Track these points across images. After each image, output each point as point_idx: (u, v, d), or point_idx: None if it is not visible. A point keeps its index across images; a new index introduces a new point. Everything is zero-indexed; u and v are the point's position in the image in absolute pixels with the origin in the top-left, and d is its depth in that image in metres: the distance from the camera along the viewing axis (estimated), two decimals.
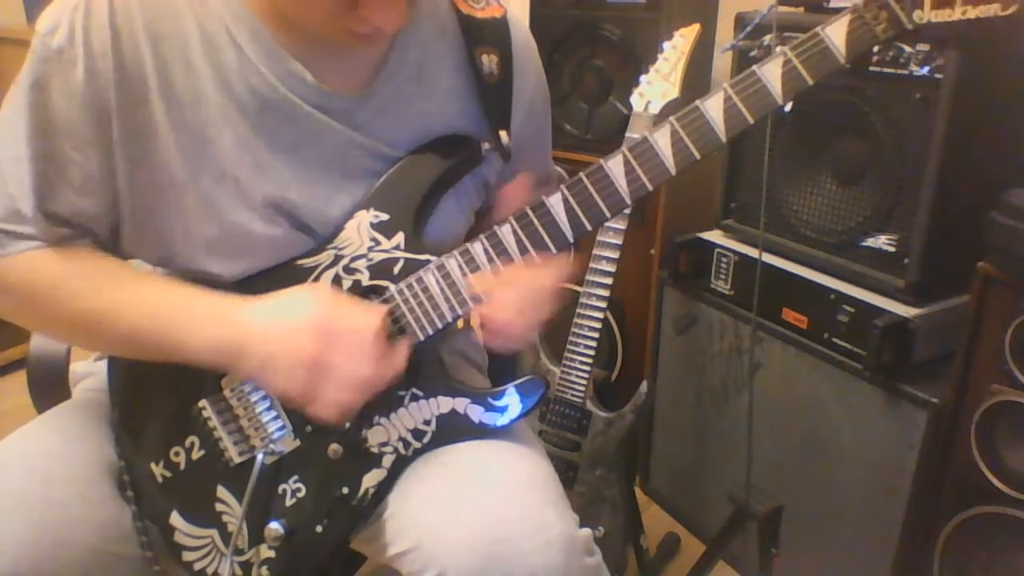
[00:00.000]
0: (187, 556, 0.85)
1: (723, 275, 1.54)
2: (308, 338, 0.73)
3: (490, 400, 0.81)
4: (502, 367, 1.11)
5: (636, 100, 1.38)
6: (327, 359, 0.73)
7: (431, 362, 0.82)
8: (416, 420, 0.82)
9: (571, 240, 0.79)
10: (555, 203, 0.77)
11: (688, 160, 0.76)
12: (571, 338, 1.43)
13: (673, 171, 0.76)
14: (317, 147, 0.81)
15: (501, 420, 0.81)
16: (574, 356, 1.44)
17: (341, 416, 0.77)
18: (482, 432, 0.82)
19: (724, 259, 1.53)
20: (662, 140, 0.76)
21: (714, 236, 1.57)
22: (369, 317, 0.76)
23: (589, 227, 0.78)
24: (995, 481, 1.11)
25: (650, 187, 0.76)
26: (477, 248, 0.79)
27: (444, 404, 0.81)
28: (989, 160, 1.24)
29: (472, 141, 0.85)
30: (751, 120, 0.75)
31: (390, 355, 0.77)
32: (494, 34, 0.88)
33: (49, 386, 1.01)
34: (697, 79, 1.74)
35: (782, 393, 1.43)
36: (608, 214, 0.77)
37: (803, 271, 1.40)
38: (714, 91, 0.76)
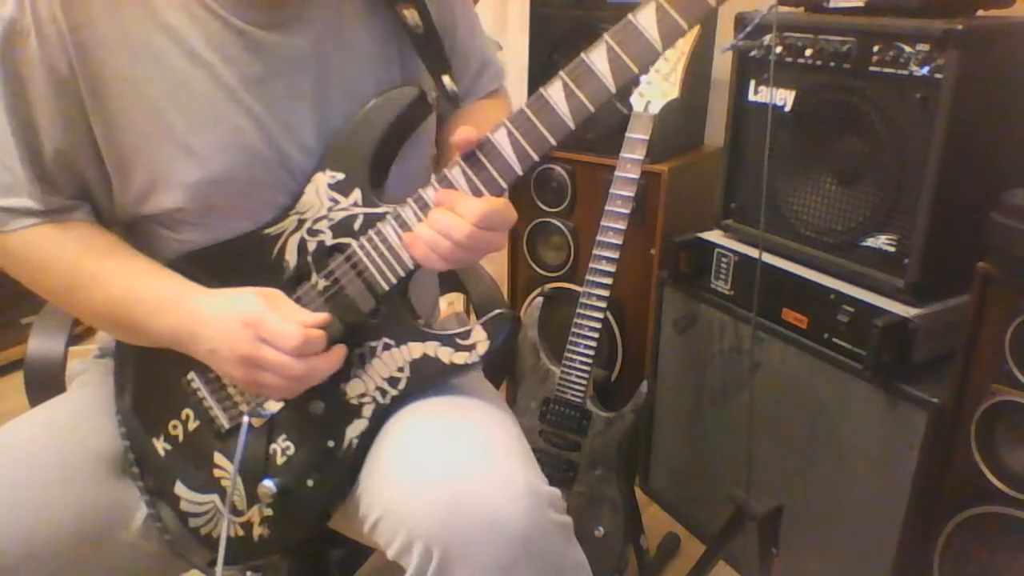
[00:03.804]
0: (193, 523, 0.90)
1: (723, 275, 1.54)
2: (239, 337, 0.77)
3: (458, 340, 0.83)
4: (500, 364, 1.11)
5: (636, 100, 1.38)
6: (257, 357, 0.77)
7: (400, 311, 0.84)
8: (390, 368, 0.84)
9: (519, 173, 0.80)
10: (500, 138, 0.78)
11: (627, 75, 0.76)
12: (571, 338, 1.43)
13: (613, 88, 0.76)
14: (282, 78, 0.83)
15: (470, 358, 0.83)
16: (574, 356, 1.44)
17: (289, 396, 0.82)
18: (454, 371, 0.84)
19: (724, 259, 1.53)
20: (599, 59, 0.76)
21: (714, 236, 1.57)
22: (299, 323, 0.78)
23: (536, 157, 0.79)
24: (995, 481, 1.11)
25: (592, 108, 0.77)
26: (430, 193, 0.81)
27: (415, 350, 0.84)
28: (989, 160, 1.24)
29: (417, 90, 0.85)
30: (686, 27, 0.74)
31: (325, 354, 0.80)
32: None
33: (46, 387, 1.01)
34: (697, 79, 1.74)
35: (782, 393, 1.43)
36: (552, 141, 0.78)
37: (803, 271, 1.40)
38: (645, 2, 0.74)
